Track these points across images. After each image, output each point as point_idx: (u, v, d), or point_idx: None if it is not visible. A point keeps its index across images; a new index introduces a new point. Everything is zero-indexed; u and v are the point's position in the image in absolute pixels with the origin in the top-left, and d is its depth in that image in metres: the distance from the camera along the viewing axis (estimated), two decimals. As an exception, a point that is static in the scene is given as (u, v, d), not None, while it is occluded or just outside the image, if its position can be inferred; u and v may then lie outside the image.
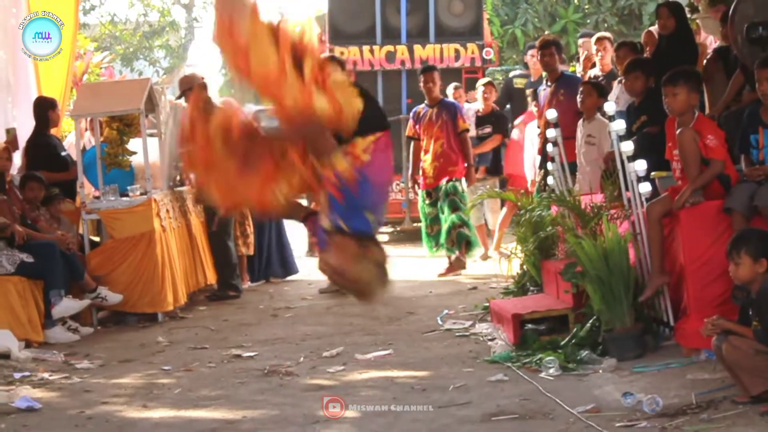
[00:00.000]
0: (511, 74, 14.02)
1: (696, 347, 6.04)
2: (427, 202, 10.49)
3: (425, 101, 10.59)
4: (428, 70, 10.64)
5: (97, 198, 9.25)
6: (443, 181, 10.36)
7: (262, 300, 9.91)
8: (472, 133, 11.38)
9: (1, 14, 9.73)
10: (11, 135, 9.49)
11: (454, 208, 10.27)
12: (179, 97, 10.31)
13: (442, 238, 10.36)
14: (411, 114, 10.84)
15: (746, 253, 5.23)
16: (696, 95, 6.42)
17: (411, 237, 12.93)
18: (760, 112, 6.19)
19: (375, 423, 5.49)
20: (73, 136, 10.35)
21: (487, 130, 11.68)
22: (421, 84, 10.54)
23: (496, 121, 11.77)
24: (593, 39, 10.87)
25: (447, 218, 10.28)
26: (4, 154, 8.84)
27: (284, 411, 5.88)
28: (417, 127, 10.58)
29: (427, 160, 10.47)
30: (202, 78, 10.10)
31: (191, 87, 9.76)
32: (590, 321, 6.56)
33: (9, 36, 10.41)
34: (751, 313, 5.22)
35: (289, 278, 10.93)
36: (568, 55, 11.55)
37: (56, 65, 10.87)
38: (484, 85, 11.80)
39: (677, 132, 6.33)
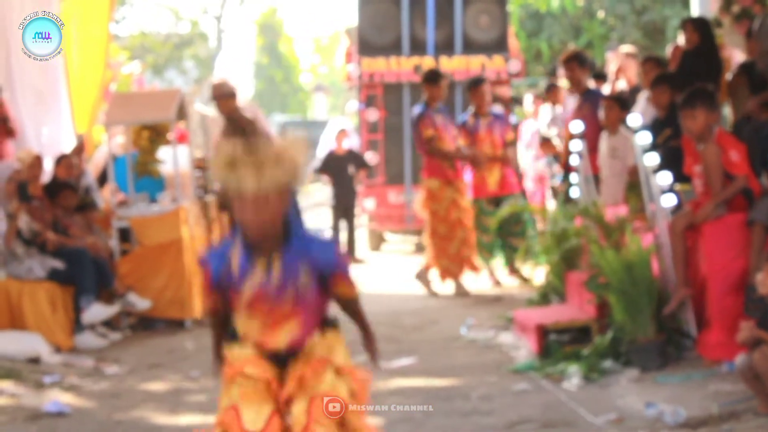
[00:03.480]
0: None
1: (718, 359, 6.06)
2: (490, 210, 10.26)
3: (474, 110, 10.44)
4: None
5: (126, 204, 9.37)
6: (511, 194, 10.31)
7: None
8: None
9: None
10: (80, 141, 9.69)
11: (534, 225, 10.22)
12: (210, 102, 10.40)
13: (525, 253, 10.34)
14: (460, 121, 10.58)
15: None
16: (714, 114, 6.33)
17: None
18: (780, 129, 6.22)
19: (399, 430, 5.54)
20: (105, 147, 10.47)
21: None
22: (478, 94, 10.38)
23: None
24: (624, 51, 10.92)
25: (528, 232, 10.20)
26: (35, 162, 8.96)
27: (310, 417, 5.93)
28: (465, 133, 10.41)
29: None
30: (234, 87, 10.18)
31: (224, 94, 9.86)
32: (613, 331, 6.59)
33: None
34: None
35: None
36: (593, 71, 11.53)
37: (88, 75, 11.03)
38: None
39: (701, 148, 6.33)
